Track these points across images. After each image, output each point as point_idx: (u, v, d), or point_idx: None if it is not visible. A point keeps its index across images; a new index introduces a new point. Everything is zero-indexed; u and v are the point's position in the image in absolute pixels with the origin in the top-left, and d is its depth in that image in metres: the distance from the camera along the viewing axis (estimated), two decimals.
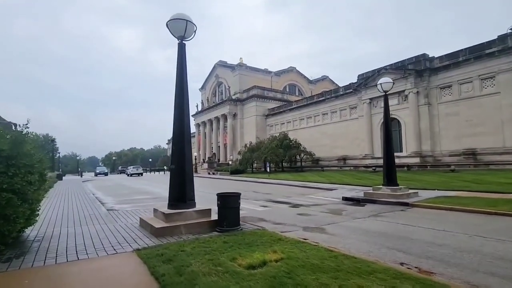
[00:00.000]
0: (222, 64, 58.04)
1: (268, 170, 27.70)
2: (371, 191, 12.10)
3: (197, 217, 6.37)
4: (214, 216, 6.53)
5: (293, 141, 36.53)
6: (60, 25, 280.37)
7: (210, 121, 57.88)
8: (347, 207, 10.24)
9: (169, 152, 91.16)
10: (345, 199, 12.18)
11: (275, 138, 37.18)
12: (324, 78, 65.35)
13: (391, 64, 29.02)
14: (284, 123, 45.17)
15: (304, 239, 5.59)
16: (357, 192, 14.21)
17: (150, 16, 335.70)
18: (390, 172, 11.85)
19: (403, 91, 27.67)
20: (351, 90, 33.64)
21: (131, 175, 44.64)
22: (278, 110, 46.58)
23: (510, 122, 21.66)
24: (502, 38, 22.11)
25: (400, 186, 11.65)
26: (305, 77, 61.53)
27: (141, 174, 46.57)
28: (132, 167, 51.47)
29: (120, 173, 60.34)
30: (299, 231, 6.53)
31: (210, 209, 6.70)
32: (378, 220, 7.67)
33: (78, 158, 77.69)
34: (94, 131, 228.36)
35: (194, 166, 46.41)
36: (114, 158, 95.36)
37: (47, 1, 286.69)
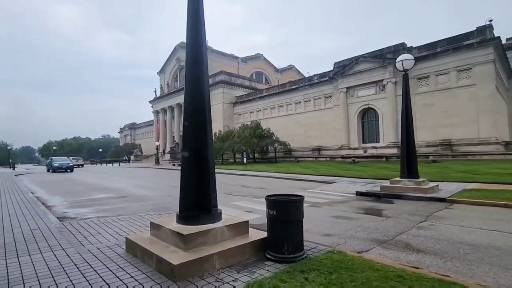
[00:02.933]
0: (184, 46, 53.02)
1: (245, 161, 25.43)
2: (390, 185, 10.56)
3: (230, 236, 3.86)
4: (256, 234, 4.08)
5: (265, 131, 34.59)
6: None
7: (171, 108, 53.24)
8: (379, 205, 8.47)
9: (122, 142, 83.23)
10: (360, 194, 10.49)
11: (247, 127, 34.84)
12: (291, 68, 64.37)
13: (369, 53, 28.39)
14: (253, 112, 42.98)
15: (415, 267, 3.50)
16: (363, 185, 12.71)
17: None
18: (410, 162, 10.41)
19: (381, 80, 27.25)
20: (326, 79, 32.59)
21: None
22: (247, 98, 44.15)
23: (485, 113, 22.24)
24: (481, 30, 22.43)
25: (422, 179, 10.28)
26: (272, 65, 59.79)
27: (82, 165, 41.86)
28: (72, 158, 42.97)
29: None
30: (376, 249, 4.43)
31: (247, 222, 4.21)
32: (447, 225, 5.93)
33: (9, 148, 66.25)
34: (30, 118, 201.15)
35: (155, 157, 42.07)
36: (54, 148, 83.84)
37: None
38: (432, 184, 10.39)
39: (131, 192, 12.07)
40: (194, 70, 4.09)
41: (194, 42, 4.10)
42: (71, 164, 29.74)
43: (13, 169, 41.02)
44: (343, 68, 29.80)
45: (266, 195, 3.90)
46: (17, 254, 4.06)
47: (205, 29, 4.21)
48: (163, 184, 15.28)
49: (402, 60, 10.60)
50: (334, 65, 31.47)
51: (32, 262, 3.76)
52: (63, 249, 4.30)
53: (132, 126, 79.31)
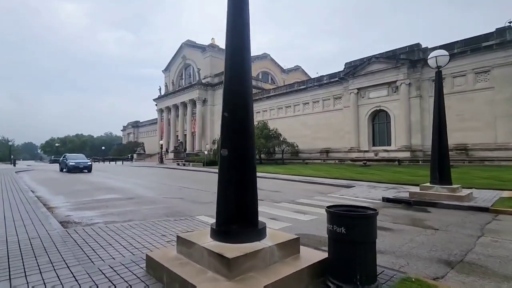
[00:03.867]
0: (190, 44, 52.67)
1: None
2: (420, 191, 9.72)
3: (280, 256, 3.05)
4: (309, 254, 3.28)
5: (273, 131, 33.81)
6: None
7: (176, 106, 52.52)
8: (415, 214, 7.66)
9: (124, 140, 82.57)
10: (387, 200, 9.67)
11: (254, 127, 33.97)
12: (297, 68, 63.59)
13: (382, 53, 27.57)
14: (259, 112, 42.18)
15: None
16: (385, 190, 11.88)
17: None
18: (443, 167, 9.55)
19: (394, 81, 26.41)
20: (336, 79, 31.79)
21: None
22: (254, 98, 43.28)
23: (503, 118, 21.37)
24: (500, 31, 21.59)
25: (455, 185, 9.45)
26: (278, 65, 59.02)
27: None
28: (73, 155, 43.04)
29: (52, 163, 52.47)
30: (452, 274, 3.61)
31: (297, 238, 3.40)
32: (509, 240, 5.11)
33: (10, 143, 65.63)
34: (32, 114, 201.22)
35: (159, 156, 41.32)
36: (57, 144, 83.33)
37: None
38: (466, 191, 9.55)
39: (139, 193, 11.29)
40: (238, 91, 3.29)
41: (237, 56, 3.28)
42: (89, 163, 24.10)
43: (14, 165, 40.34)
44: (354, 69, 28.98)
45: (327, 206, 3.08)
46: (9, 274, 3.26)
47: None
48: (171, 185, 14.48)
49: (436, 57, 9.79)
50: (344, 65, 30.65)
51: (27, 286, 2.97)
52: (67, 266, 3.50)
53: (136, 124, 78.65)
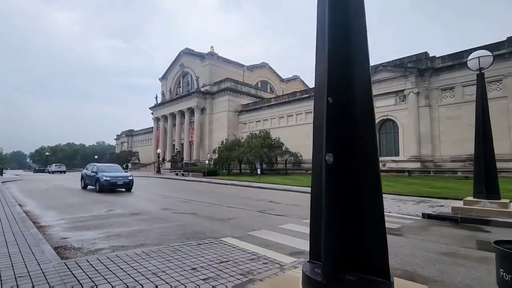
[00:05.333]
0: (189, 52, 51.93)
1: (259, 172, 23.43)
2: (464, 206, 8.66)
3: None
4: None
5: (275, 140, 32.79)
6: None
7: (173, 115, 51.28)
8: (476, 234, 6.60)
9: (117, 149, 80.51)
10: (429, 216, 8.57)
11: (255, 136, 32.99)
12: (295, 78, 63.33)
13: (389, 62, 27.08)
14: (260, 121, 41.31)
15: None
16: (415, 204, 10.82)
17: (91, 1, 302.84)
18: (490, 179, 8.53)
19: (402, 90, 25.82)
20: None
21: (53, 172, 47.85)
22: (254, 107, 42.57)
23: None
24: (511, 40, 21.24)
25: (504, 200, 8.44)
26: (277, 75, 58.62)
27: (64, 172, 49.48)
28: (54, 165, 53.66)
29: (36, 172, 56.21)
30: None
31: None
32: None
33: None
34: (22, 122, 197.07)
35: (156, 165, 39.75)
36: (47, 153, 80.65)
37: None
38: None
39: (143, 208, 9.97)
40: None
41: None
42: (130, 177, 15.86)
43: (1, 175, 38.26)
44: None
45: (495, 241, 1.95)
46: None
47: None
48: (176, 198, 13.16)
49: (478, 57, 8.87)
50: None
51: None
52: None
53: (130, 133, 76.86)
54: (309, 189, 10.71)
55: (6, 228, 6.07)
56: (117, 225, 6.98)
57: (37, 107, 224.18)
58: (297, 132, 35.60)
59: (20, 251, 4.43)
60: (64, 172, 49.45)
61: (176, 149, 48.73)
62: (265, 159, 30.62)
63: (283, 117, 38.22)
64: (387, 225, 6.89)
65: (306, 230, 6.65)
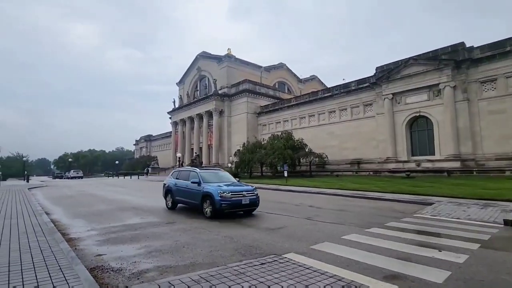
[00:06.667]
0: (205, 55, 51.65)
1: (286, 174, 22.32)
2: None
3: None
4: None
5: (298, 142, 31.57)
6: (8, 19, 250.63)
7: (191, 118, 50.98)
8: None
9: (136, 154, 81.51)
10: None
11: (277, 138, 31.89)
12: (313, 78, 61.85)
13: (420, 55, 25.37)
14: (280, 122, 40.19)
15: None
16: (481, 208, 9.45)
17: (108, 14, 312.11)
18: None
19: (436, 84, 24.03)
20: (366, 85, 29.62)
21: (73, 178, 50.63)
22: (273, 108, 41.50)
23: None
24: None
25: None
26: (295, 75, 57.39)
27: (81, 177, 52.21)
28: (72, 170, 57.21)
29: (55, 178, 59.44)
30: None
31: None
32: None
33: (24, 159, 65.21)
34: (45, 131, 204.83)
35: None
36: (70, 160, 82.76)
37: None
38: None
39: (177, 216, 9.11)
40: None
41: None
42: (256, 192, 9.21)
43: (27, 181, 39.05)
44: (388, 73, 26.78)
45: None
46: None
47: None
48: None
49: None
50: (376, 70, 28.52)
51: None
52: None
53: (148, 138, 77.57)
54: (343, 192, 9.60)
55: (33, 244, 5.31)
56: (154, 237, 6.11)
57: (59, 117, 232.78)
58: (319, 133, 34.24)
59: (50, 276, 3.58)
60: (82, 177, 52.16)
61: (195, 152, 48.30)
62: (288, 161, 29.44)
63: (304, 117, 36.93)
64: (471, 235, 5.69)
65: (379, 243, 5.55)
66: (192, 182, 9.29)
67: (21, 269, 3.86)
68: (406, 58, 25.90)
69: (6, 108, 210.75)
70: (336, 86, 33.97)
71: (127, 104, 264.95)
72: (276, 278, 3.66)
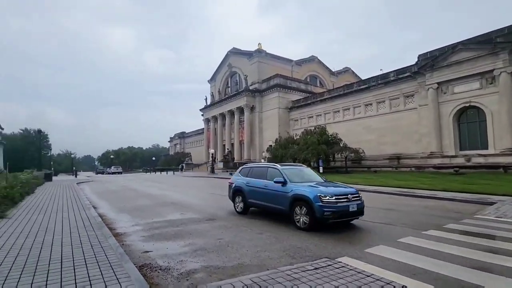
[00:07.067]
0: (236, 52, 51.82)
1: (321, 170, 21.70)
2: None
3: None
4: None
5: (332, 136, 30.48)
6: (53, 25, 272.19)
7: (222, 115, 51.62)
8: None
9: (172, 151, 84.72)
10: None
11: (310, 133, 31.06)
12: (346, 70, 59.47)
13: (470, 39, 23.06)
14: (312, 117, 39.17)
15: None
16: None
17: (143, 16, 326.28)
18: None
19: (490, 71, 21.70)
20: (407, 75, 27.67)
21: (112, 173, 54.76)
22: (305, 102, 40.54)
23: None
24: None
25: None
26: (327, 68, 55.57)
27: (121, 173, 56.69)
28: (113, 167, 62.62)
29: (97, 174, 63.18)
30: None
31: None
32: None
33: (72, 156, 70.87)
34: (90, 130, 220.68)
35: (211, 166, 40.27)
36: (111, 156, 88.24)
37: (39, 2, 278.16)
38: None
39: (215, 212, 9.05)
40: None
41: None
42: (360, 195, 6.91)
43: (76, 176, 42.21)
44: (432, 60, 24.71)
45: None
46: None
47: None
48: None
49: None
50: (418, 58, 26.48)
51: None
52: None
53: (182, 135, 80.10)
54: (387, 189, 8.75)
55: (84, 238, 5.44)
56: (197, 234, 6.02)
57: (101, 116, 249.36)
58: (355, 127, 32.79)
59: (101, 274, 3.54)
60: (121, 173, 56.87)
61: (227, 149, 48.91)
62: (323, 156, 28.54)
63: (338, 111, 35.58)
64: None
65: (443, 248, 4.91)
66: (275, 182, 7.31)
67: (73, 265, 3.89)
68: (454, 44, 23.71)
69: (58, 110, 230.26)
70: (373, 77, 32.19)
71: (161, 103, 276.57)
72: (332, 285, 3.30)
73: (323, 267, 3.94)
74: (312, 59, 53.92)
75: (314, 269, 3.85)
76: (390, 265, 4.09)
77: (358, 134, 31.91)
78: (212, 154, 40.39)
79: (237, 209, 8.78)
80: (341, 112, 35.22)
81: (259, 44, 47.10)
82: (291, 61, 50.29)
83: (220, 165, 42.45)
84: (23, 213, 8.47)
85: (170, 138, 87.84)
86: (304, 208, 6.41)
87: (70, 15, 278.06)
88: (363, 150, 29.18)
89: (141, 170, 78.24)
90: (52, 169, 42.44)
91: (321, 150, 27.17)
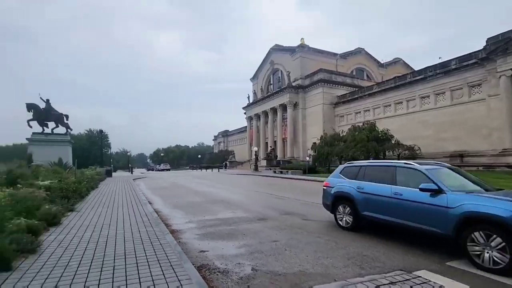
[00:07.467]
0: (278, 48, 51.32)
1: None
2: None
3: None
4: None
5: (382, 133, 28.46)
6: (110, 37, 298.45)
7: (265, 113, 51.61)
8: None
9: (215, 149, 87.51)
10: None
11: (358, 129, 29.40)
12: (397, 61, 55.28)
13: None
14: (359, 112, 37.11)
15: None
16: None
17: (187, 20, 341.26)
18: None
19: None
20: (473, 61, 24.58)
21: (161, 170, 60.55)
22: (352, 97, 38.57)
23: None
24: None
25: None
26: (375, 60, 52.27)
27: (169, 169, 62.55)
28: (162, 164, 71.24)
29: (148, 170, 69.86)
30: None
31: None
32: None
33: (128, 154, 77.26)
34: (142, 130, 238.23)
35: (254, 163, 40.65)
36: (162, 154, 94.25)
37: (98, 15, 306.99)
38: None
39: (265, 211, 8.82)
40: None
41: None
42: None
43: (131, 173, 45.74)
44: (505, 43, 21.56)
45: None
46: None
47: None
48: (293, 199, 11.79)
49: None
50: (486, 42, 23.32)
51: None
52: None
53: (225, 134, 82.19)
54: None
55: (143, 234, 5.58)
56: (250, 235, 5.83)
57: (151, 116, 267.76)
58: (408, 122, 30.23)
59: (163, 274, 3.48)
60: (169, 170, 62.29)
61: (270, 146, 48.80)
62: (372, 154, 26.78)
63: (389, 105, 33.13)
64: None
65: None
66: (422, 190, 4.77)
67: (136, 262, 3.93)
68: None
69: (115, 112, 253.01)
70: (430, 66, 29.26)
71: (205, 102, 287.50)
72: None
73: (400, 281, 3.43)
74: (359, 51, 51.13)
75: (389, 283, 3.36)
76: (485, 284, 3.42)
77: (412, 129, 29.39)
78: (256, 152, 40.53)
79: (341, 223, 6.38)
80: (392, 106, 32.77)
81: (301, 39, 45.97)
82: (335, 54, 48.27)
83: (263, 162, 42.49)
84: (89, 207, 9.17)
85: (214, 136, 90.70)
86: (497, 238, 3.80)
87: (121, 26, 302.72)
88: (419, 147, 26.74)
89: (188, 167, 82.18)
90: (112, 166, 46.53)
91: (371, 148, 25.50)
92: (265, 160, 43.44)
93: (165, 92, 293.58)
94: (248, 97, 58.64)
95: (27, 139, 26.29)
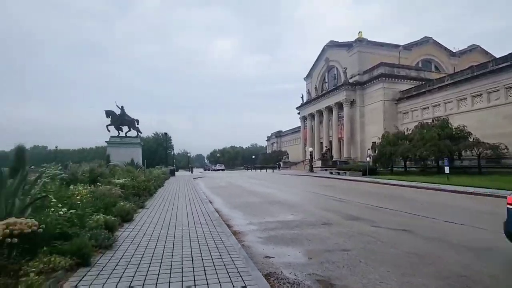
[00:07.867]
0: (333, 45, 49.26)
1: (447, 170, 17.99)
2: None
3: None
4: None
5: (457, 130, 25.10)
6: (172, 46, 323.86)
7: (320, 112, 49.96)
8: None
9: (268, 150, 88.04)
10: None
11: (427, 126, 26.44)
12: (474, 48, 48.50)
13: None
14: (427, 108, 33.41)
15: None
16: None
17: (240, 26, 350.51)
18: None
19: None
20: None
21: (216, 170, 63.17)
22: (418, 91, 34.93)
23: None
24: None
25: None
26: (445, 48, 46.63)
27: (223, 170, 64.82)
28: (217, 164, 76.35)
29: (205, 170, 71.66)
30: None
31: None
32: None
33: (188, 155, 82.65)
34: (200, 131, 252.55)
35: (309, 164, 39.69)
36: (218, 155, 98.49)
37: (157, 26, 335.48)
38: None
39: (327, 216, 8.26)
40: None
41: None
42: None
43: (191, 172, 48.63)
44: None
45: None
46: None
47: None
48: (352, 201, 10.95)
49: None
50: None
51: None
52: None
53: (278, 134, 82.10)
54: None
55: (207, 234, 5.60)
56: (316, 241, 5.41)
57: (208, 119, 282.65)
58: (489, 117, 26.03)
59: (231, 281, 3.31)
60: (223, 170, 64.02)
61: (326, 146, 47.03)
62: (445, 154, 23.71)
63: (465, 98, 29.00)
64: None
65: None
66: None
67: (203, 265, 3.85)
68: None
69: (176, 117, 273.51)
70: None
71: (258, 104, 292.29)
72: None
73: None
74: (426, 41, 46.17)
75: None
76: None
77: (495, 125, 25.32)
78: (311, 152, 39.45)
79: None
80: (468, 100, 28.69)
81: (359, 32, 43.33)
82: (397, 46, 44.34)
83: (318, 163, 41.11)
84: (157, 204, 9.75)
85: (267, 137, 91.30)
86: None
87: (180, 35, 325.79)
88: (505, 146, 22.85)
89: (242, 167, 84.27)
90: (175, 166, 50.08)
91: (444, 147, 22.59)
92: (320, 161, 42.01)
93: (220, 95, 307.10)
94: (302, 97, 57.56)
95: (106, 141, 29.87)
